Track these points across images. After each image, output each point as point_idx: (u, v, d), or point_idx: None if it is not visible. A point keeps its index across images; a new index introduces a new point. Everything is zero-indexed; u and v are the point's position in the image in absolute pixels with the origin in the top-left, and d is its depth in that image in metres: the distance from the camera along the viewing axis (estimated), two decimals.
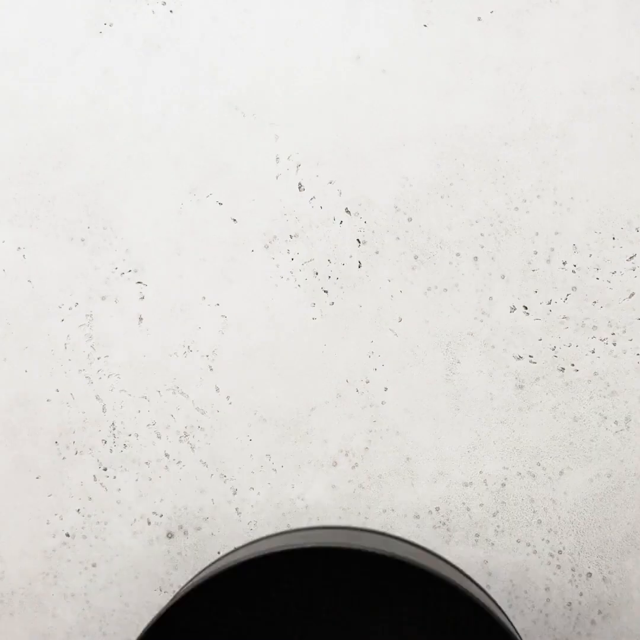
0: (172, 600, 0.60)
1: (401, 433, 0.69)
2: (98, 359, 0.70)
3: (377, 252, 0.69)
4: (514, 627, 0.61)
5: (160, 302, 0.70)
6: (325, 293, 0.68)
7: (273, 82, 0.71)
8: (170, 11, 0.71)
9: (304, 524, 0.69)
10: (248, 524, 0.70)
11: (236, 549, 0.66)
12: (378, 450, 0.69)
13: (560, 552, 0.69)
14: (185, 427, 0.70)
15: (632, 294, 0.70)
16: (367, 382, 0.69)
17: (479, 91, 0.71)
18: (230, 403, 0.69)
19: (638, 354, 0.69)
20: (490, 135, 0.70)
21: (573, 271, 0.70)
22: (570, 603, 0.69)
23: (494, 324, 0.69)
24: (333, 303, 0.68)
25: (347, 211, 0.69)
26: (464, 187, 0.69)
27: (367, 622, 0.61)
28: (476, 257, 0.69)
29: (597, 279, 0.70)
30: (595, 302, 0.70)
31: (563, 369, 0.69)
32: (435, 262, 0.69)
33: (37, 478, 0.69)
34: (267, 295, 0.69)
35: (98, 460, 0.69)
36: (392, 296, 0.69)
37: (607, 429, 0.69)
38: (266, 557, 0.60)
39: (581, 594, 0.69)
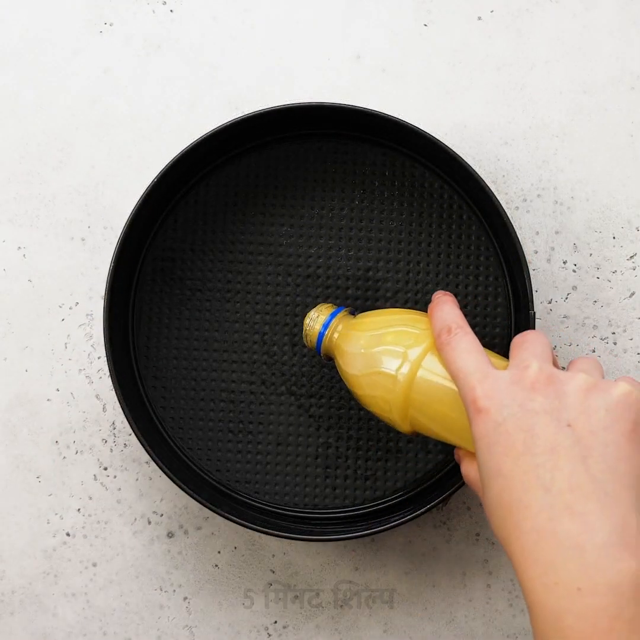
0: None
1: None
2: (98, 358, 0.70)
3: None
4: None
5: None
6: None
7: (273, 82, 0.71)
8: (171, 11, 0.71)
9: None
10: None
11: None
12: None
13: None
14: None
15: (633, 293, 0.70)
16: None
17: (479, 91, 0.71)
18: None
19: (638, 354, 0.69)
20: (490, 135, 0.71)
21: (573, 270, 0.70)
22: None
23: None
24: None
25: None
26: None
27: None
28: None
29: (598, 278, 0.70)
30: (595, 301, 0.70)
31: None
32: None
33: (37, 477, 0.69)
34: None
35: (98, 460, 0.69)
36: None
37: None
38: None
39: None
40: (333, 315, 0.61)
